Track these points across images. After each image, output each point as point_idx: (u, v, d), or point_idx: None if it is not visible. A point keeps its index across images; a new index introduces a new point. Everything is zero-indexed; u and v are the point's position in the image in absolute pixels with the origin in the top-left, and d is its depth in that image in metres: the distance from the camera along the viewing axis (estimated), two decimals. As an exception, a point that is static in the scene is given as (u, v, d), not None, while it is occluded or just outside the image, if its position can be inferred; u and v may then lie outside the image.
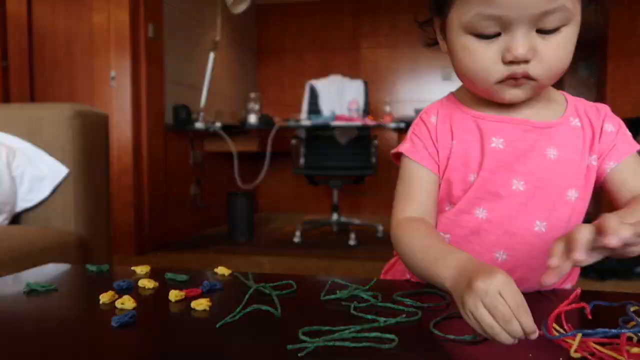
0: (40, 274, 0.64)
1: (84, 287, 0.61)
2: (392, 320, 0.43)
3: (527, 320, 0.34)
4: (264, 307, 0.45)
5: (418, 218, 0.55)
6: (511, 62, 0.48)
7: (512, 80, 0.49)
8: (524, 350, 0.37)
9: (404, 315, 0.45)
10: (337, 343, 0.38)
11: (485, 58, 0.49)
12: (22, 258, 1.00)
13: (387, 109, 3.35)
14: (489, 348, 0.39)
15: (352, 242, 2.90)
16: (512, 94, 0.51)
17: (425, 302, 0.49)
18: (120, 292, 0.52)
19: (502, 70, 0.49)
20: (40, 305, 0.51)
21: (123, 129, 2.63)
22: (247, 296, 0.47)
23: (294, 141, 3.20)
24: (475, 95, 0.56)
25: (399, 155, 0.59)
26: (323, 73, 4.19)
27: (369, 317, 0.44)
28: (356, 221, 3.24)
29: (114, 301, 0.49)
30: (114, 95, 2.63)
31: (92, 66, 2.67)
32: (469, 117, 0.56)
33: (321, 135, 3.22)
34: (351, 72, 3.77)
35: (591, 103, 0.58)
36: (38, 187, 1.24)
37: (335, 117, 3.01)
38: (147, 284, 0.56)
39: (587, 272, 2.17)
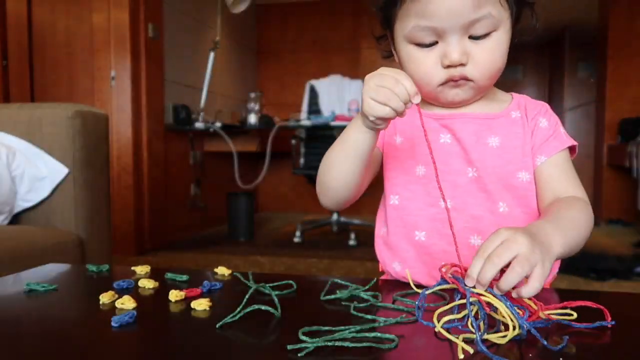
0: (40, 274, 0.64)
1: (84, 287, 0.61)
2: (392, 320, 0.43)
3: (408, 83, 0.46)
4: (263, 307, 0.45)
5: None
6: (449, 66, 0.54)
7: (452, 82, 0.55)
8: (524, 351, 0.37)
9: (404, 315, 0.45)
10: (337, 343, 0.38)
11: (427, 64, 0.55)
12: (22, 258, 1.00)
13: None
14: (489, 348, 0.39)
15: (352, 242, 2.90)
16: (454, 93, 0.57)
17: (425, 302, 0.49)
18: (120, 292, 0.52)
19: (442, 74, 0.55)
20: (40, 305, 0.51)
21: (123, 129, 2.63)
22: (247, 296, 0.47)
23: (293, 141, 3.20)
24: (429, 102, 0.62)
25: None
26: (323, 73, 4.18)
27: (369, 317, 0.44)
28: (356, 221, 3.24)
29: (114, 301, 0.49)
30: (114, 95, 2.63)
31: (92, 66, 2.67)
32: (416, 113, 0.60)
33: (321, 135, 3.22)
34: (351, 72, 3.77)
35: (534, 100, 0.62)
36: (38, 187, 1.24)
37: (335, 117, 3.00)
38: (147, 284, 0.56)
39: (586, 272, 2.17)
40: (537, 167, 0.58)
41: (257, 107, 3.19)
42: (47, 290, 0.54)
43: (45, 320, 0.47)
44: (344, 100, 3.31)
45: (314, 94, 3.39)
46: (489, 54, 0.54)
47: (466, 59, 0.54)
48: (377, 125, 0.50)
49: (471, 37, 0.54)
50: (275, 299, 0.47)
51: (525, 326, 0.39)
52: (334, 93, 3.32)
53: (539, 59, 6.06)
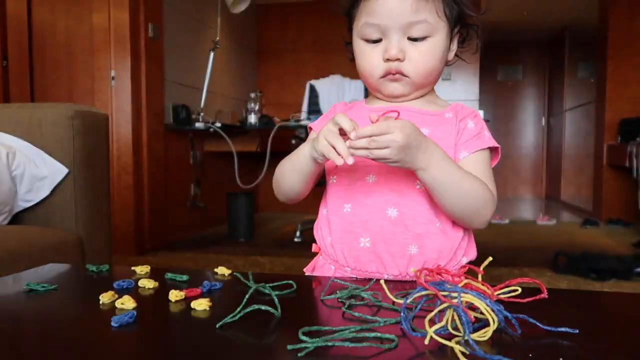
0: (40, 274, 0.64)
1: (83, 287, 0.61)
2: (391, 320, 0.43)
3: (339, 144, 0.54)
4: (263, 307, 0.45)
5: None
6: (388, 60, 0.63)
7: (391, 75, 0.64)
8: (524, 350, 0.37)
9: (404, 316, 0.45)
10: (337, 343, 0.38)
11: (372, 57, 0.64)
12: (22, 258, 1.00)
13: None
14: (489, 348, 0.39)
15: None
16: (393, 87, 0.65)
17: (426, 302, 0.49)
18: (120, 292, 0.52)
19: (382, 67, 0.64)
20: (40, 305, 0.51)
21: (123, 129, 2.63)
22: (247, 296, 0.47)
23: (294, 141, 3.20)
24: (375, 95, 0.70)
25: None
26: (323, 73, 4.18)
27: (369, 317, 0.44)
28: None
29: (114, 301, 0.49)
30: (114, 95, 2.63)
31: (92, 66, 2.67)
32: (362, 109, 0.70)
33: None
34: (351, 72, 3.76)
35: (467, 107, 0.70)
36: (38, 187, 1.24)
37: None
38: (147, 284, 0.56)
39: (586, 273, 2.17)
40: (460, 160, 0.64)
41: (257, 107, 3.19)
42: (47, 290, 0.54)
43: (45, 320, 0.47)
44: (344, 100, 3.31)
45: (314, 94, 3.39)
46: (424, 55, 0.63)
47: (403, 56, 0.62)
48: (321, 160, 0.60)
49: (410, 39, 0.62)
50: (276, 299, 0.47)
51: (507, 317, 0.40)
52: (334, 93, 3.32)
53: (539, 59, 6.07)
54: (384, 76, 0.64)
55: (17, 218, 1.27)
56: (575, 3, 4.28)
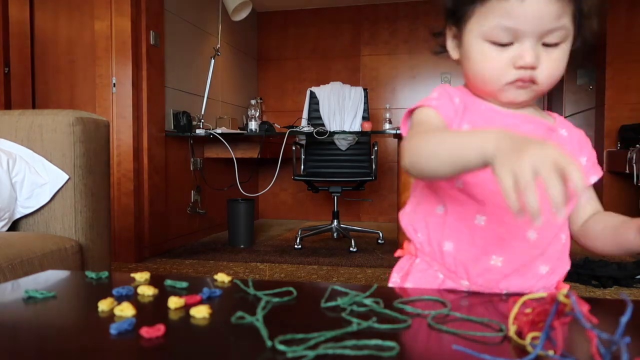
0: (39, 280, 0.63)
1: (83, 294, 0.60)
2: (393, 327, 0.43)
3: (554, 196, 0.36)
4: (257, 323, 0.45)
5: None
6: (521, 67, 0.57)
7: (520, 82, 0.58)
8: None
9: (405, 323, 0.44)
10: (338, 351, 0.37)
11: (499, 62, 0.58)
12: (21, 264, 1.00)
13: (387, 115, 3.36)
14: (491, 355, 0.39)
15: (352, 249, 2.90)
16: (517, 94, 0.60)
17: (427, 309, 0.48)
18: (120, 299, 0.52)
19: (513, 74, 0.58)
20: (39, 312, 0.50)
21: (124, 135, 2.63)
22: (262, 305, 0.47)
23: (294, 148, 3.20)
24: (484, 98, 0.64)
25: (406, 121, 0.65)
26: (323, 80, 4.20)
27: (370, 324, 0.44)
28: (356, 227, 3.24)
29: (113, 308, 0.49)
30: (115, 101, 2.64)
31: (94, 73, 2.68)
32: (483, 108, 0.64)
33: (322, 141, 3.22)
34: (351, 79, 3.79)
35: (573, 125, 0.68)
36: (38, 193, 1.24)
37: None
38: (146, 290, 0.55)
39: (588, 279, 2.17)
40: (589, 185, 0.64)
41: (257, 114, 3.20)
42: (46, 297, 0.54)
43: (43, 328, 0.46)
44: (344, 107, 3.32)
45: (314, 101, 3.40)
46: (556, 62, 0.58)
47: (537, 63, 0.57)
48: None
49: (544, 44, 0.57)
50: (261, 325, 0.46)
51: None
52: (334, 100, 3.33)
53: (539, 66, 6.09)
54: (512, 83, 0.59)
55: (17, 224, 1.27)
56: (574, 10, 4.30)
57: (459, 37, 0.63)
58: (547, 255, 0.61)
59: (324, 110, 3.32)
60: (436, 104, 0.61)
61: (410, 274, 0.66)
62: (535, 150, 0.38)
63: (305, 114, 3.35)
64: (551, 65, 0.58)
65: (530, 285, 0.62)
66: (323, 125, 3.28)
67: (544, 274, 0.61)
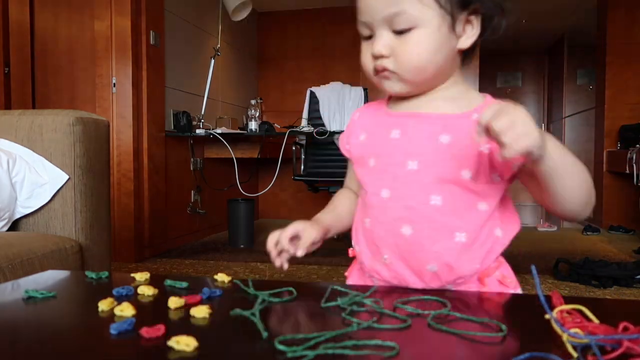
0: (39, 280, 0.63)
1: (83, 294, 0.60)
2: (392, 327, 0.43)
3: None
4: (257, 322, 0.45)
5: (345, 187, 0.75)
6: (375, 58, 0.59)
7: (379, 72, 0.60)
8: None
9: (405, 322, 0.44)
10: (337, 351, 0.37)
11: (366, 55, 0.62)
12: (21, 264, 1.00)
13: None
14: (492, 354, 0.39)
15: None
16: (387, 85, 0.62)
17: (427, 309, 0.48)
18: (120, 299, 0.52)
19: (371, 65, 0.61)
20: (39, 312, 0.50)
21: (124, 135, 2.63)
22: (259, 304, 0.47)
23: (294, 148, 3.20)
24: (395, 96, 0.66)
25: None
26: (323, 80, 4.19)
27: (369, 324, 0.44)
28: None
29: (113, 308, 0.49)
30: (115, 101, 2.64)
31: (94, 73, 2.68)
32: (382, 114, 0.67)
33: (322, 141, 3.22)
34: (351, 79, 3.78)
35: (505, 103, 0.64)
36: (38, 193, 1.24)
37: None
38: (146, 290, 0.55)
39: (588, 279, 2.17)
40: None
41: (257, 114, 3.20)
42: (46, 297, 0.54)
43: (43, 328, 0.46)
44: (344, 107, 3.31)
45: (314, 101, 3.40)
46: (410, 48, 0.58)
47: (387, 52, 0.58)
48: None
49: (395, 32, 0.58)
50: (259, 321, 0.46)
51: None
52: (334, 100, 3.33)
53: (538, 65, 6.09)
54: (375, 74, 0.61)
55: (17, 224, 1.27)
56: (574, 10, 4.31)
57: None
58: (433, 253, 0.59)
59: (324, 111, 3.32)
60: (339, 144, 0.72)
61: (350, 276, 0.72)
62: None
63: (305, 114, 3.35)
64: (404, 52, 0.58)
65: (454, 260, 0.59)
66: (323, 125, 3.27)
67: (435, 271, 0.59)
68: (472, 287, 0.61)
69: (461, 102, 0.62)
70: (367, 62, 0.61)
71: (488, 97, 0.63)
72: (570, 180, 0.52)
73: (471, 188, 0.59)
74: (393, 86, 0.61)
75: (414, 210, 0.60)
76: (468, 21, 0.59)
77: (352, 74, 4.28)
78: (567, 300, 0.48)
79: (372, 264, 0.64)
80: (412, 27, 0.57)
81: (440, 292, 0.57)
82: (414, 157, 0.61)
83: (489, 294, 0.59)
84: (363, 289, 0.56)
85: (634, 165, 3.15)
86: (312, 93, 3.39)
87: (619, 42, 3.75)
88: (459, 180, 0.59)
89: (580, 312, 0.43)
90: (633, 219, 3.64)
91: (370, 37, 0.60)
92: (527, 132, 0.44)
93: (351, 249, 0.71)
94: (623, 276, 2.13)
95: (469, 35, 0.60)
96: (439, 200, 0.59)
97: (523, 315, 0.50)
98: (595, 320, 0.42)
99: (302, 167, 3.32)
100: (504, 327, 0.43)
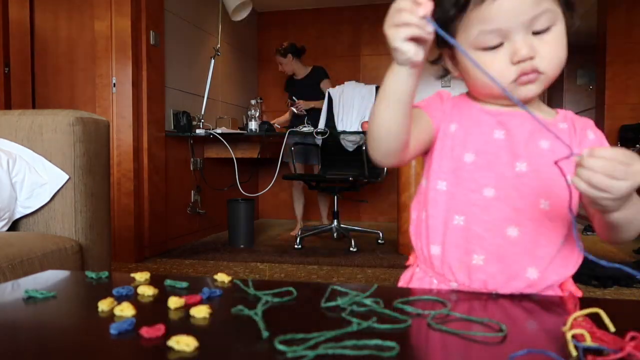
0: (39, 280, 0.63)
1: (83, 294, 0.60)
2: (393, 327, 0.43)
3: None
4: (258, 321, 0.45)
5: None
6: (519, 62, 0.56)
7: (524, 76, 0.57)
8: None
9: (405, 322, 0.44)
10: (338, 351, 0.37)
11: (497, 65, 0.58)
12: (21, 264, 1.00)
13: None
14: (492, 354, 0.39)
15: (352, 249, 2.90)
16: (527, 89, 0.59)
17: (427, 309, 0.48)
18: (120, 299, 0.52)
19: (514, 71, 0.57)
20: (39, 312, 0.50)
21: (124, 135, 2.63)
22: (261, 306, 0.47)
23: (292, 148, 3.20)
24: (492, 102, 0.64)
25: None
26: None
27: (369, 324, 0.44)
28: (356, 227, 3.24)
29: (113, 308, 0.49)
30: (115, 101, 2.64)
31: (94, 73, 2.68)
32: (476, 110, 0.65)
33: (333, 142, 3.21)
34: (351, 79, 3.78)
35: (580, 116, 0.66)
36: (38, 193, 1.24)
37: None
38: (146, 290, 0.55)
39: (588, 279, 2.17)
40: None
41: (257, 114, 3.20)
42: (46, 297, 0.54)
43: (43, 328, 0.46)
44: (354, 107, 3.29)
45: (330, 101, 3.39)
46: (553, 46, 0.57)
47: (534, 53, 0.56)
48: (406, 55, 0.49)
49: (534, 33, 0.56)
50: (260, 320, 0.46)
51: None
52: (346, 99, 3.30)
53: (539, 66, 6.09)
54: (515, 80, 0.58)
55: (17, 224, 1.27)
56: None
57: (453, 56, 0.64)
58: (537, 258, 0.59)
59: (337, 111, 3.31)
60: (424, 104, 0.66)
61: (411, 283, 0.68)
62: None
63: (323, 115, 3.32)
64: (549, 50, 0.57)
65: (554, 265, 0.59)
66: (334, 126, 3.27)
67: (534, 279, 0.59)
68: (556, 293, 0.61)
69: (543, 113, 0.64)
70: (504, 70, 0.57)
71: (560, 110, 0.65)
72: (634, 227, 0.54)
73: (576, 192, 0.59)
74: (536, 89, 0.59)
75: (523, 212, 0.59)
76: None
77: (352, 74, 4.28)
78: (583, 301, 0.48)
79: (459, 267, 0.61)
80: (551, 25, 0.56)
81: (518, 296, 0.56)
82: (522, 159, 0.60)
83: (488, 294, 0.59)
84: (363, 289, 0.56)
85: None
86: (328, 94, 3.37)
87: (619, 42, 3.75)
88: (563, 185, 0.58)
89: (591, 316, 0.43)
90: (633, 219, 3.63)
91: (497, 46, 0.57)
92: (612, 186, 0.44)
93: (412, 255, 0.68)
94: (623, 276, 2.13)
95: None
96: (547, 205, 0.59)
97: (523, 315, 0.50)
98: (611, 327, 0.42)
99: (320, 167, 3.32)
100: (504, 327, 0.43)
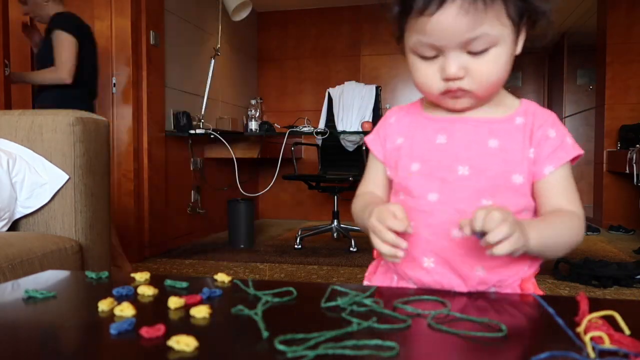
0: (39, 280, 0.63)
1: (83, 294, 0.60)
2: (392, 327, 0.43)
3: (392, 223, 0.53)
4: (259, 321, 0.45)
5: (368, 191, 0.70)
6: (447, 79, 0.57)
7: (450, 92, 0.59)
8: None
9: (405, 322, 0.44)
10: (338, 351, 0.37)
11: (427, 75, 0.59)
12: (21, 264, 1.00)
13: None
14: (492, 354, 0.39)
15: (352, 249, 2.90)
16: (454, 102, 0.60)
17: (427, 309, 0.48)
18: (120, 299, 0.52)
19: (441, 85, 0.59)
20: (39, 312, 0.50)
21: (124, 135, 2.63)
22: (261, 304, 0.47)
23: (293, 148, 3.20)
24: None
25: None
26: (323, 80, 4.19)
27: (369, 324, 0.44)
28: (356, 228, 3.23)
29: (113, 308, 0.49)
30: (115, 101, 2.64)
31: (94, 73, 2.68)
32: (420, 118, 0.67)
33: (334, 143, 3.21)
34: (351, 79, 3.78)
35: (543, 109, 0.64)
36: (38, 193, 1.24)
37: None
38: (146, 291, 0.55)
39: (588, 279, 2.17)
40: (545, 177, 0.60)
41: (257, 114, 3.20)
42: (46, 297, 0.54)
43: (43, 328, 0.46)
44: (353, 107, 3.29)
45: (330, 101, 3.39)
46: (487, 68, 0.57)
47: (463, 73, 0.56)
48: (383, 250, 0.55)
49: (469, 52, 0.56)
50: (260, 320, 0.46)
51: None
52: (345, 99, 3.30)
53: (538, 65, 6.09)
54: (443, 93, 0.59)
55: (17, 224, 1.27)
56: (574, 10, 4.31)
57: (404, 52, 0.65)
58: (483, 257, 0.58)
59: (337, 111, 3.31)
60: (370, 146, 0.70)
61: (374, 275, 0.71)
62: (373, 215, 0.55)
63: (323, 115, 3.32)
64: (481, 72, 0.56)
65: (504, 263, 0.60)
66: (334, 125, 3.27)
67: (483, 276, 0.60)
68: (515, 291, 0.62)
69: (501, 107, 0.63)
70: (433, 83, 0.59)
71: (524, 101, 0.65)
72: (558, 248, 0.58)
73: (522, 192, 0.61)
74: (462, 103, 0.60)
75: (465, 214, 0.58)
76: (521, 32, 0.60)
77: (352, 74, 4.28)
78: (593, 302, 0.48)
79: (412, 270, 0.63)
80: (490, 47, 0.56)
81: (480, 294, 0.57)
82: (464, 162, 0.61)
83: (488, 294, 0.59)
84: (363, 289, 0.56)
85: (634, 165, 3.15)
86: (328, 94, 3.38)
87: (619, 42, 3.75)
88: (510, 184, 0.60)
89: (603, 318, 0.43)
90: (633, 219, 3.64)
91: (432, 57, 0.58)
92: (510, 236, 0.49)
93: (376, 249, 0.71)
94: (623, 276, 2.13)
95: (520, 43, 0.60)
96: (489, 204, 0.59)
97: (523, 315, 0.50)
98: (626, 330, 0.42)
99: (320, 167, 3.32)
100: (504, 327, 0.43)
